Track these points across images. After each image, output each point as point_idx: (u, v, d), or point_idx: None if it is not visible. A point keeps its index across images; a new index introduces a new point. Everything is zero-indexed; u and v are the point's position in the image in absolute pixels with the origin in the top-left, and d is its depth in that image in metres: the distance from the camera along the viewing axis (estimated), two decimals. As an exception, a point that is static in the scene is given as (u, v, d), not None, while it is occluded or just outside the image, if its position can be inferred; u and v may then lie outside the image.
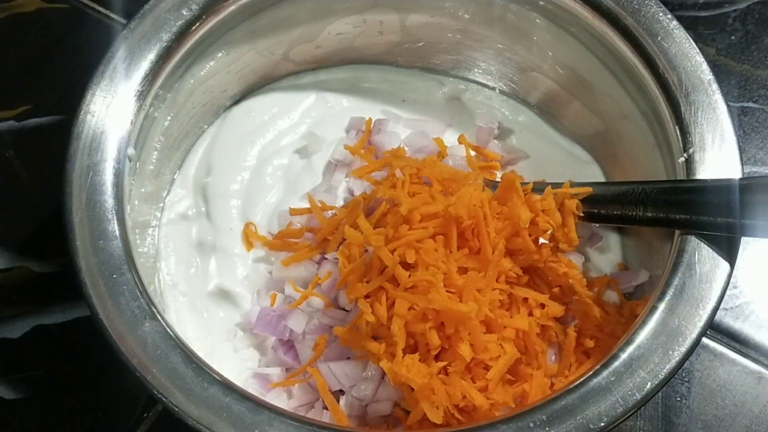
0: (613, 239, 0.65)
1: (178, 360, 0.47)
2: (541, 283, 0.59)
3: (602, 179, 0.68)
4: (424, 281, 0.53)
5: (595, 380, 0.47)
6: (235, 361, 0.60)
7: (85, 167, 0.52)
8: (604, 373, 0.47)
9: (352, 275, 0.56)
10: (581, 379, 0.47)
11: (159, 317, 0.48)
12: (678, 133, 0.55)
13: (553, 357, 0.58)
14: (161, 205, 0.66)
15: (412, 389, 0.53)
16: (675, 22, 0.57)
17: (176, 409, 0.46)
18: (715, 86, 0.55)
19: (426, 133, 0.68)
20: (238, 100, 0.71)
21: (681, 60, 0.56)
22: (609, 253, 0.65)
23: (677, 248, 0.51)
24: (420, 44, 0.72)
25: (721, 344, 0.67)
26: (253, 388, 0.57)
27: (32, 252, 0.70)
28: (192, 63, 0.61)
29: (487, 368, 0.54)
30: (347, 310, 0.58)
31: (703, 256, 0.50)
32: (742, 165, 0.53)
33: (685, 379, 0.66)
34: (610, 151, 0.67)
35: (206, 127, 0.69)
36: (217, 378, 0.47)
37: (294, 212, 0.63)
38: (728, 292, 0.50)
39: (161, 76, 0.57)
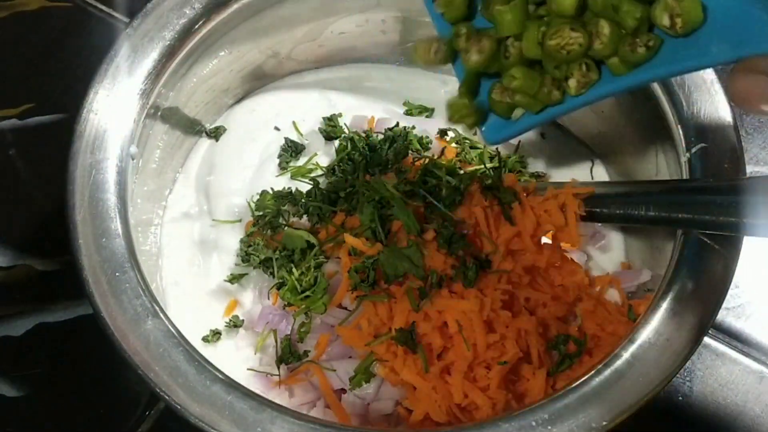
0: (615, 238, 0.65)
1: (180, 358, 0.47)
2: (543, 282, 0.59)
3: (605, 179, 0.68)
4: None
5: (596, 379, 0.47)
6: (237, 360, 0.60)
7: (88, 165, 0.52)
8: (606, 373, 0.47)
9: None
10: (583, 378, 0.47)
11: (161, 315, 0.49)
12: (680, 132, 0.55)
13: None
14: (164, 203, 0.66)
15: (414, 388, 0.53)
16: (678, 22, 0.57)
17: (178, 407, 0.46)
18: (717, 86, 0.55)
19: (428, 132, 0.68)
20: (240, 99, 0.71)
21: (683, 59, 0.56)
22: (611, 252, 0.65)
23: (680, 247, 0.51)
24: (422, 43, 0.72)
25: (723, 344, 0.67)
26: (254, 387, 0.57)
27: (34, 250, 0.70)
28: (195, 62, 0.61)
29: (489, 367, 0.54)
30: (349, 310, 0.58)
31: (706, 256, 0.50)
32: (745, 164, 0.53)
33: (687, 378, 0.66)
34: (613, 151, 0.67)
35: (209, 125, 0.70)
36: (220, 376, 0.47)
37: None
38: (730, 291, 0.50)
39: (164, 75, 0.57)
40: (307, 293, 0.57)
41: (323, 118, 0.69)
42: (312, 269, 0.58)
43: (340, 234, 0.58)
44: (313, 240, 0.59)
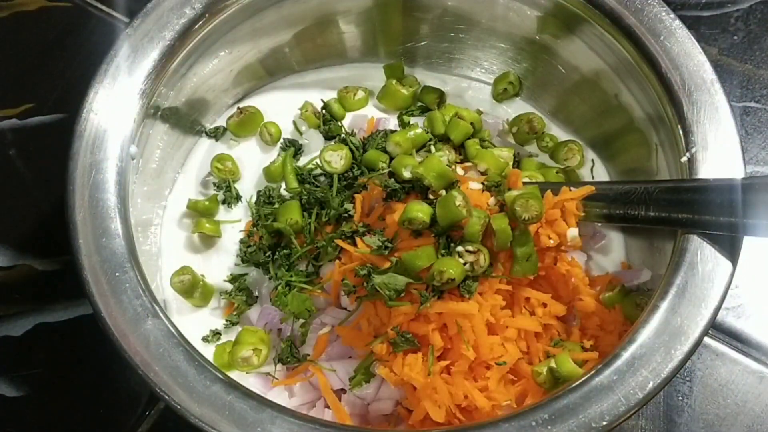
0: (615, 238, 0.65)
1: (180, 358, 0.47)
2: (544, 282, 0.59)
3: (605, 178, 0.68)
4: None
5: (597, 379, 0.47)
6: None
7: (88, 165, 0.52)
8: (606, 372, 0.47)
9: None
10: (583, 378, 0.47)
11: (161, 315, 0.48)
12: (680, 132, 0.55)
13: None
14: (164, 203, 0.66)
15: (415, 388, 0.53)
16: (678, 22, 0.57)
17: (178, 407, 0.46)
18: (717, 86, 0.55)
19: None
20: (240, 99, 0.71)
21: (683, 59, 0.56)
22: (611, 252, 0.65)
23: (679, 247, 0.51)
24: (423, 43, 0.72)
25: (722, 344, 0.67)
26: (254, 387, 0.57)
27: (35, 250, 0.70)
28: (195, 61, 0.61)
29: (489, 367, 0.54)
30: (349, 310, 0.58)
31: (706, 256, 0.50)
32: (745, 165, 0.53)
33: (687, 378, 0.66)
34: (613, 150, 0.67)
35: (209, 125, 0.70)
36: (219, 376, 0.47)
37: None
38: (730, 291, 0.50)
39: (164, 75, 0.57)
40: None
41: (323, 117, 0.69)
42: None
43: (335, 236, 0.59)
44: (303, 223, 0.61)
